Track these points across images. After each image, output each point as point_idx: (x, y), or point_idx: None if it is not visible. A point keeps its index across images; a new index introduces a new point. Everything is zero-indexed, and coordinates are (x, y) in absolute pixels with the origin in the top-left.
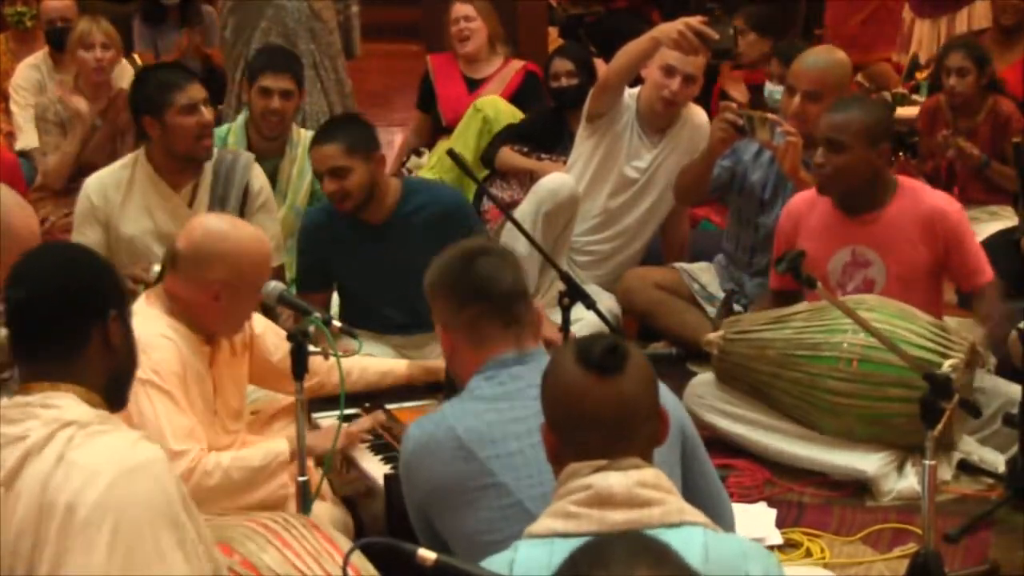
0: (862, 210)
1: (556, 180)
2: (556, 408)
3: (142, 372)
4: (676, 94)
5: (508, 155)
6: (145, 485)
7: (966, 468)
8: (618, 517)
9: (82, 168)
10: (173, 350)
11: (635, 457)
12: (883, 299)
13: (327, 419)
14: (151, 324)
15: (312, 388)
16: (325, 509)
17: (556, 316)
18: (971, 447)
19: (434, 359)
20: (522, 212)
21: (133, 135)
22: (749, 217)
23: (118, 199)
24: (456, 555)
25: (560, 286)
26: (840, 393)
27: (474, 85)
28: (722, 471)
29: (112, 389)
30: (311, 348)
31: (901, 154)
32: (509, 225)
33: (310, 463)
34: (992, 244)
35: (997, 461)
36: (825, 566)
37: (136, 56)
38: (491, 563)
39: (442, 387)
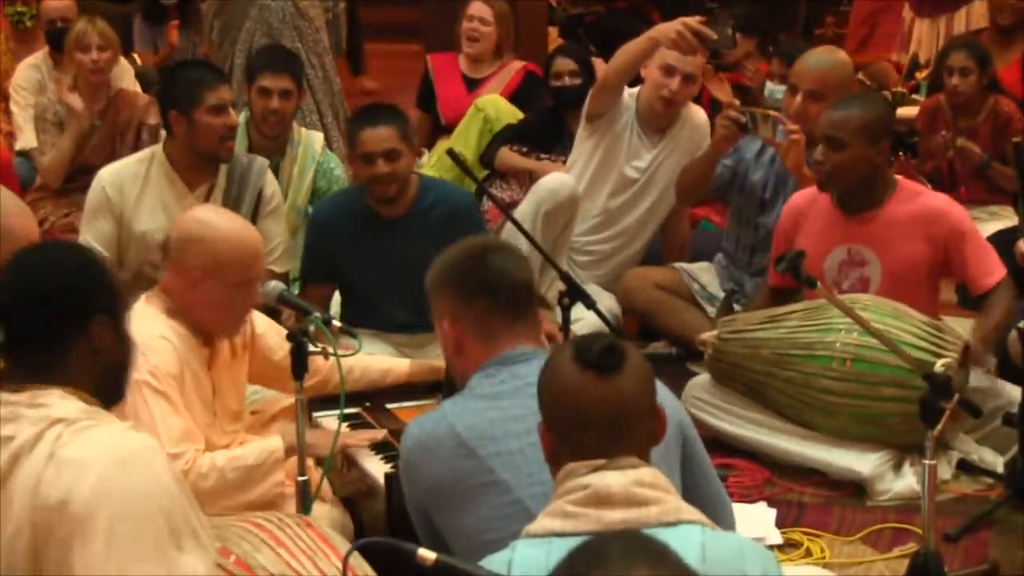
0: (860, 208)
1: (556, 180)
2: (553, 407)
3: (138, 373)
4: (676, 93)
5: (507, 155)
6: (138, 474)
7: (965, 468)
8: (616, 516)
9: (80, 168)
10: (170, 351)
11: (632, 456)
12: (877, 298)
13: (327, 418)
14: (149, 325)
15: (315, 386)
16: (324, 511)
17: (556, 316)
18: (970, 447)
19: (435, 358)
20: (522, 212)
21: (133, 135)
22: (749, 217)
23: (133, 193)
24: (456, 553)
25: (560, 286)
26: (834, 392)
27: (473, 85)
28: (722, 471)
29: (104, 388)
30: (311, 347)
31: (901, 154)
32: (509, 225)
33: (310, 463)
34: (992, 244)
35: (996, 461)
36: (825, 566)
37: (136, 55)
38: (489, 563)
39: (441, 387)
